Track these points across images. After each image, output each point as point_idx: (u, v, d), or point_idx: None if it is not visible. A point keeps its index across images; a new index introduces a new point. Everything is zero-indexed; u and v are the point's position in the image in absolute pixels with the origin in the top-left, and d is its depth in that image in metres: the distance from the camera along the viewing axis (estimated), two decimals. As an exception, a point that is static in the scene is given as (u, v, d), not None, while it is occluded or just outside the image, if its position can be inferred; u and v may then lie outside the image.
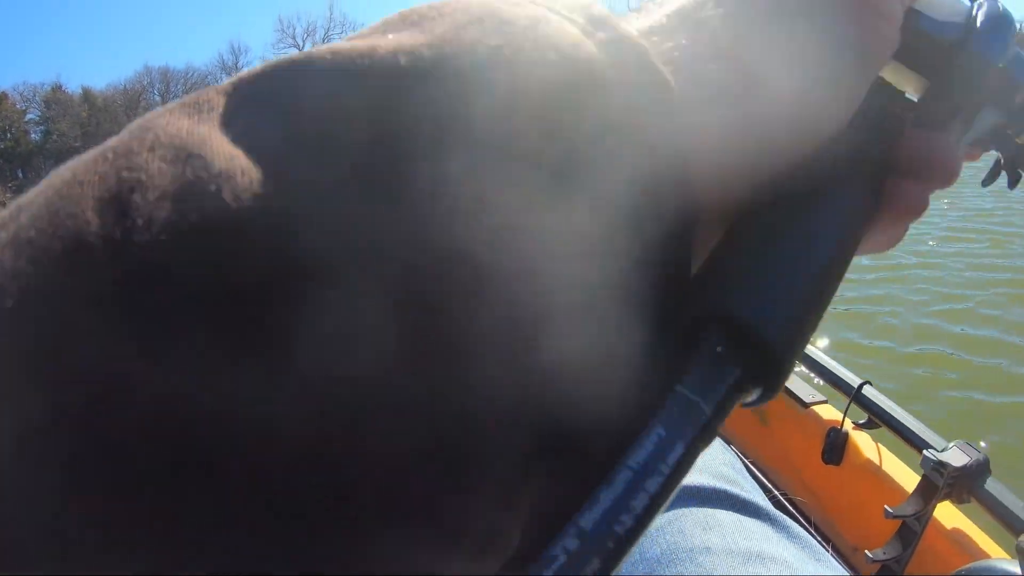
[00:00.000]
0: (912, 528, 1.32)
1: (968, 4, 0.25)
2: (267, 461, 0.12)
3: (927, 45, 0.23)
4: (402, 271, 0.12)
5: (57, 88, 54.59)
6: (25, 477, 0.11)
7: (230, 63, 62.26)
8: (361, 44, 0.15)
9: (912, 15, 0.23)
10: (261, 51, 69.30)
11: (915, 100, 0.25)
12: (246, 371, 0.12)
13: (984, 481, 1.30)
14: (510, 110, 0.14)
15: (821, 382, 1.69)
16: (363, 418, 0.12)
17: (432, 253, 0.13)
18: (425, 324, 0.13)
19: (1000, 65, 0.25)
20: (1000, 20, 0.24)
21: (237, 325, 0.12)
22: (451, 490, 0.13)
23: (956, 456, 1.29)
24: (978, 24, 0.24)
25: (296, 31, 64.50)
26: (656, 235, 0.15)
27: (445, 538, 0.14)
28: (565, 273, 0.14)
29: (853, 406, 1.56)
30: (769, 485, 1.68)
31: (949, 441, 1.36)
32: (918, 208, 0.23)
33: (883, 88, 0.24)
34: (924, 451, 1.34)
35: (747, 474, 0.57)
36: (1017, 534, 1.16)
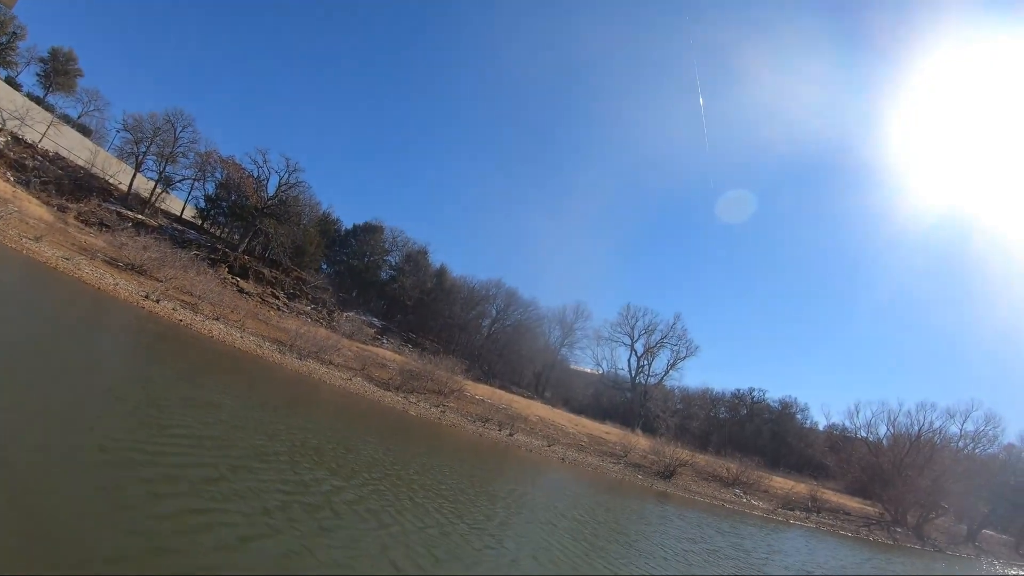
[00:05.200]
0: None
1: None
2: None
3: None
4: None
5: (423, 252, 68.37)
6: None
7: (569, 320, 71.27)
8: None
9: None
10: (599, 324, 77.95)
11: None
12: None
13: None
14: None
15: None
16: None
17: None
18: None
19: None
20: None
21: None
22: None
23: None
24: None
25: (637, 323, 71.55)
26: None
27: None
28: None
29: None
30: None
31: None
32: None
33: None
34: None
35: None
36: None
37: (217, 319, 40.61)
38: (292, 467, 13.59)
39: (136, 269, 41.09)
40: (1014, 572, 48.14)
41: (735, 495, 49.39)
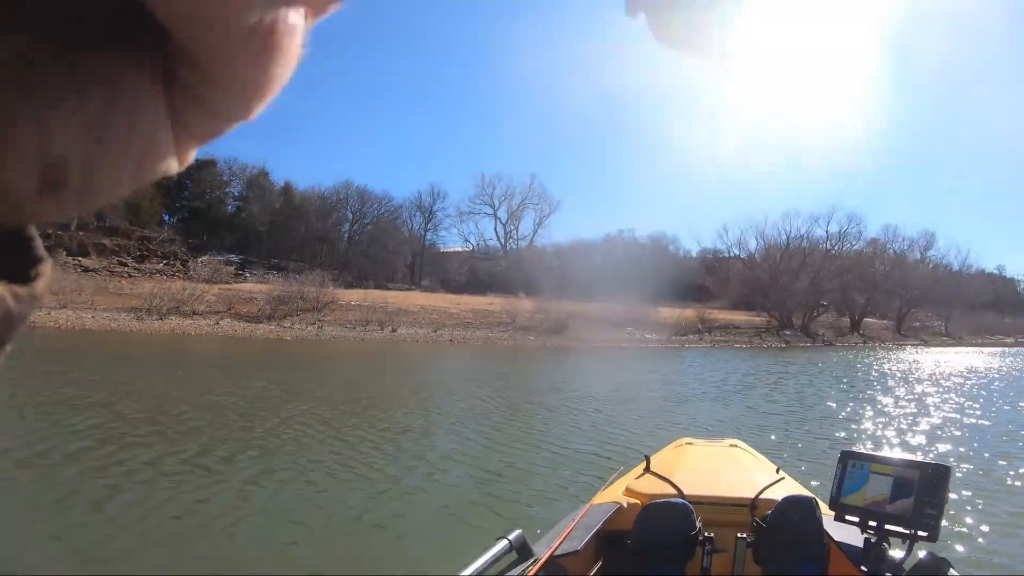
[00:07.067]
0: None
1: None
2: None
3: None
4: None
5: (263, 174, 65.84)
6: None
7: (427, 203, 70.30)
8: None
9: None
10: (457, 201, 75.12)
11: None
12: None
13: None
14: None
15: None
16: None
17: None
18: None
19: None
20: None
21: None
22: None
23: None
24: None
25: (495, 191, 70.46)
26: None
27: None
28: None
29: None
30: None
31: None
32: None
33: None
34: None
35: None
36: None
37: (63, 307, 41.21)
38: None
39: (-36, 284, 40.45)
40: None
41: (628, 333, 50.65)
